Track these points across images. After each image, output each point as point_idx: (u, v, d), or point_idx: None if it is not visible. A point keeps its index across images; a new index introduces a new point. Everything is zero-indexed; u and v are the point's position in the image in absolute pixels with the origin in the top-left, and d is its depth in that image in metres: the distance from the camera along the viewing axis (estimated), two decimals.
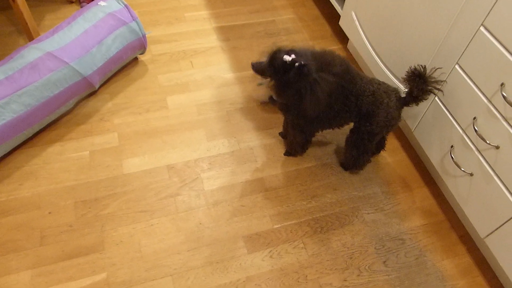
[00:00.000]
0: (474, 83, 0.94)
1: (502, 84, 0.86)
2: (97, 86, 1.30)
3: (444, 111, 1.05)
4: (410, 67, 1.00)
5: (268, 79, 1.23)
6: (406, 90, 1.04)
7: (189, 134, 1.29)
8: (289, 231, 1.10)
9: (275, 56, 0.95)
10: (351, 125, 1.14)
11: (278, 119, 1.35)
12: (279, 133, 1.31)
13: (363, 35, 1.38)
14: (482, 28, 0.88)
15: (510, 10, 0.81)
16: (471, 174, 0.98)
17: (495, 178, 0.91)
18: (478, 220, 1.00)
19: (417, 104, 1.05)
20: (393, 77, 1.25)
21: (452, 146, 1.04)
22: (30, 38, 1.41)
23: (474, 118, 0.95)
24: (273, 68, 0.96)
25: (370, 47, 1.35)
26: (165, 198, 1.13)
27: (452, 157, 1.03)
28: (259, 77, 1.22)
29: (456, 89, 0.99)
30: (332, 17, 1.75)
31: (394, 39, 1.20)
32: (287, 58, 0.93)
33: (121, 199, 1.12)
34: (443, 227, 1.15)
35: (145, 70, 1.45)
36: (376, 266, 1.06)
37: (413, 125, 1.19)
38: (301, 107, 0.97)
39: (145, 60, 1.48)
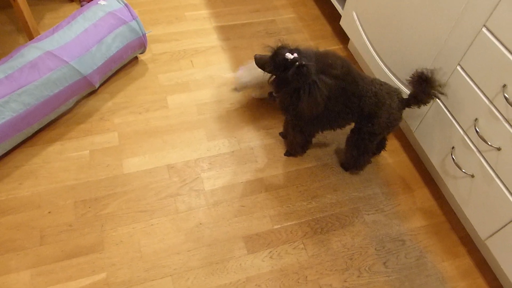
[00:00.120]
0: (475, 84, 0.94)
1: (504, 86, 0.85)
2: (97, 86, 1.29)
3: (445, 112, 1.05)
4: (416, 70, 0.99)
5: (251, 91, 1.24)
6: (409, 91, 1.04)
7: (189, 134, 1.28)
8: (289, 232, 1.10)
9: (278, 52, 0.95)
10: (352, 125, 1.13)
11: (278, 119, 1.35)
12: (279, 133, 1.31)
13: (364, 35, 1.37)
14: (484, 29, 0.88)
15: None
16: (472, 176, 0.98)
17: (496, 179, 0.91)
18: (479, 222, 0.99)
19: (419, 107, 1.04)
20: (393, 77, 1.25)
21: (453, 147, 1.04)
22: (30, 37, 1.41)
23: (476, 119, 0.94)
24: (273, 64, 0.96)
25: (371, 47, 1.35)
26: (165, 198, 1.13)
27: (453, 158, 1.03)
28: (238, 81, 1.24)
29: (457, 90, 0.99)
30: (333, 16, 1.74)
31: (395, 39, 1.19)
32: (289, 56, 0.93)
33: (121, 198, 1.12)
34: (443, 228, 1.15)
35: (145, 69, 1.45)
36: (376, 267, 1.06)
37: (414, 126, 1.19)
38: (298, 107, 0.97)
39: (145, 60, 1.48)
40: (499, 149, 0.89)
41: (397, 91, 1.06)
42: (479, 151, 0.95)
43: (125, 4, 1.32)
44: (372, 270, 1.05)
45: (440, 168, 1.11)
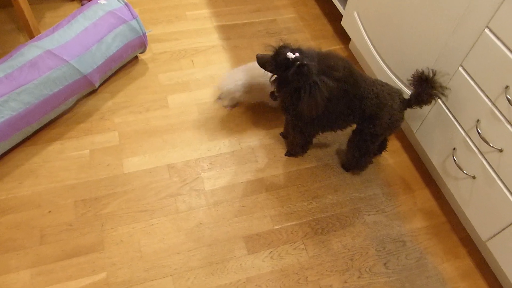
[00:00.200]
0: (478, 85, 0.93)
1: (506, 87, 0.85)
2: (97, 85, 1.29)
3: (447, 113, 1.04)
4: (417, 71, 0.99)
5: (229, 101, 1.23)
6: (410, 92, 1.03)
7: (190, 134, 1.28)
8: (290, 232, 1.10)
9: (279, 52, 0.95)
10: (353, 126, 1.13)
11: (279, 119, 1.34)
12: (280, 133, 1.31)
13: (365, 35, 1.37)
14: (487, 30, 0.88)
15: None
16: (474, 177, 0.98)
17: (498, 181, 0.91)
18: (480, 223, 0.99)
19: (420, 107, 1.04)
20: (395, 78, 1.24)
21: (454, 148, 1.03)
22: (31, 35, 1.40)
23: (478, 120, 0.94)
24: (275, 63, 0.96)
25: (372, 47, 1.34)
26: (165, 197, 1.13)
27: (454, 160, 1.02)
28: (221, 90, 1.22)
29: (459, 91, 0.99)
30: (334, 16, 1.74)
31: (397, 40, 1.19)
32: (291, 55, 0.93)
33: (121, 198, 1.12)
34: (444, 229, 1.15)
35: (145, 68, 1.45)
36: (377, 268, 1.06)
37: (415, 127, 1.19)
38: (298, 107, 0.97)
39: (145, 59, 1.48)
40: (501, 150, 0.89)
41: (399, 92, 1.06)
42: (481, 153, 0.95)
43: (125, 3, 1.32)
44: (372, 271, 1.05)
45: (441, 169, 1.11)
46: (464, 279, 1.06)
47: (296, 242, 1.08)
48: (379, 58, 1.31)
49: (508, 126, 0.86)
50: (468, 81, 0.95)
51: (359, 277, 1.03)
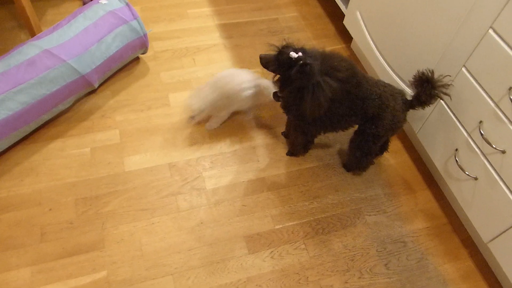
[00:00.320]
0: (481, 86, 0.93)
1: (510, 88, 0.85)
2: (96, 85, 1.28)
3: (449, 114, 1.04)
4: (417, 71, 0.99)
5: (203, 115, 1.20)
6: (412, 93, 1.03)
7: (191, 132, 1.28)
8: (291, 232, 1.10)
9: (282, 51, 0.95)
10: (355, 127, 1.13)
11: (280, 119, 1.34)
12: (281, 132, 1.31)
13: (367, 35, 1.37)
14: (490, 31, 0.87)
15: None
16: (476, 178, 0.98)
17: (500, 183, 0.91)
18: (482, 225, 0.99)
19: (423, 108, 1.04)
20: (397, 78, 1.24)
21: (456, 149, 1.03)
22: (32, 33, 1.40)
23: (480, 121, 0.94)
24: (277, 63, 0.95)
25: (374, 47, 1.34)
26: (166, 196, 1.13)
27: (456, 160, 1.02)
28: (192, 108, 1.18)
29: (462, 92, 0.98)
30: (336, 16, 1.73)
31: (400, 40, 1.19)
32: (294, 55, 0.92)
33: (122, 196, 1.11)
34: (445, 230, 1.15)
35: (147, 67, 1.44)
36: (378, 268, 1.05)
37: (417, 127, 1.18)
38: (301, 107, 0.97)
39: (147, 57, 1.47)
40: (503, 152, 0.89)
41: (401, 93, 1.06)
42: (483, 154, 0.95)
43: (127, 3, 1.31)
44: (373, 272, 1.05)
45: (443, 170, 1.10)
46: (465, 281, 1.06)
47: (297, 242, 1.08)
48: (381, 58, 1.31)
49: None
50: (471, 81, 0.95)
51: (359, 277, 1.03)
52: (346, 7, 1.50)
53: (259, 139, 1.28)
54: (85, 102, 1.32)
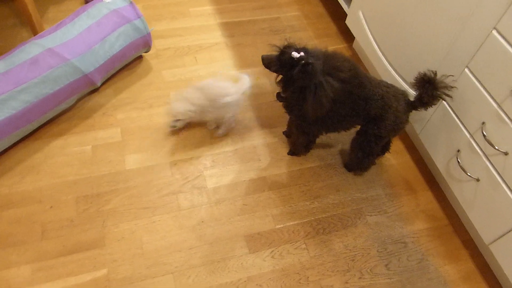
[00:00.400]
0: (484, 87, 0.93)
1: None
2: (99, 84, 1.28)
3: (451, 114, 1.04)
4: (419, 72, 0.98)
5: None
6: (415, 94, 1.03)
7: (192, 131, 1.27)
8: (291, 232, 1.09)
9: (284, 51, 0.94)
10: (357, 127, 1.13)
11: (282, 118, 1.34)
12: (283, 132, 1.30)
13: (370, 34, 1.36)
14: (494, 32, 0.87)
15: None
16: (478, 180, 0.97)
17: (503, 184, 0.90)
18: (483, 226, 0.99)
19: (425, 109, 1.04)
20: (399, 78, 1.24)
21: (458, 150, 1.03)
22: (34, 30, 1.40)
23: (483, 123, 0.93)
24: (279, 63, 0.95)
25: (376, 47, 1.33)
26: (167, 195, 1.13)
27: (458, 162, 1.02)
28: (174, 113, 1.16)
29: (465, 93, 0.98)
30: (337, 15, 1.73)
31: (402, 40, 1.18)
32: (295, 54, 0.92)
33: (123, 195, 1.11)
34: (446, 231, 1.14)
35: (149, 65, 1.44)
36: (378, 269, 1.05)
37: (419, 128, 1.18)
38: (303, 107, 0.97)
39: (149, 55, 1.47)
40: (506, 153, 0.88)
41: (404, 94, 1.05)
42: (486, 155, 0.94)
43: (131, 2, 1.30)
44: (373, 272, 1.05)
45: (444, 171, 1.10)
46: (466, 282, 1.05)
47: (298, 242, 1.08)
48: (383, 58, 1.30)
49: None
50: (474, 82, 0.95)
51: (360, 277, 1.03)
52: (349, 7, 1.49)
53: (261, 138, 1.28)
54: (87, 100, 1.31)
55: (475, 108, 0.95)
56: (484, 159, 0.95)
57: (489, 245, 0.99)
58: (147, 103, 1.33)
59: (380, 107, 1.01)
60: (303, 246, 1.07)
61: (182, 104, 1.17)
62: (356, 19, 1.43)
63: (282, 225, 1.10)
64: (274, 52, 0.98)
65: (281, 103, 1.09)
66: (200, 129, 1.28)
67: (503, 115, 0.88)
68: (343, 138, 1.32)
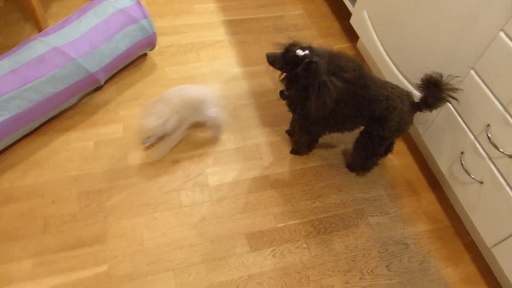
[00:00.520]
0: (489, 89, 0.92)
1: None
2: (102, 82, 1.28)
3: (456, 116, 1.03)
4: (425, 74, 0.98)
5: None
6: (419, 95, 1.02)
7: (195, 129, 1.27)
8: (293, 231, 1.09)
9: (289, 49, 0.94)
10: (361, 127, 1.12)
11: (285, 116, 1.33)
12: (285, 130, 1.30)
13: (374, 34, 1.35)
14: (501, 34, 0.86)
15: None
16: (481, 182, 0.97)
17: (507, 187, 0.90)
18: (486, 229, 0.98)
19: (430, 111, 1.03)
20: (403, 79, 1.23)
21: (462, 152, 1.02)
22: (38, 25, 1.39)
23: (488, 125, 0.93)
24: (284, 60, 0.95)
25: (381, 47, 1.33)
26: (169, 192, 1.13)
27: (462, 164, 1.01)
28: (146, 129, 1.11)
29: (470, 94, 0.97)
30: (342, 14, 1.72)
31: (407, 40, 1.18)
32: (300, 52, 0.92)
33: (124, 191, 1.11)
34: (448, 233, 1.14)
35: (152, 62, 1.44)
36: (379, 270, 1.05)
37: (423, 129, 1.18)
38: (306, 107, 0.96)
39: (152, 52, 1.47)
40: (511, 156, 0.88)
41: (409, 95, 1.05)
42: (490, 158, 0.94)
43: (138, 2, 1.29)
44: (374, 273, 1.04)
45: (447, 173, 1.10)
46: (467, 285, 1.05)
47: (299, 241, 1.07)
48: (388, 58, 1.30)
49: None
50: (480, 84, 0.94)
51: (361, 278, 1.03)
52: (353, 6, 1.49)
53: (263, 136, 1.28)
54: (90, 96, 1.31)
55: (480, 110, 0.95)
56: (488, 161, 0.94)
57: (491, 248, 0.98)
58: (150, 100, 1.32)
59: (384, 108, 1.01)
60: (304, 245, 1.07)
61: (151, 119, 1.10)
62: (361, 19, 1.42)
63: (283, 224, 1.10)
64: (278, 50, 0.97)
65: (284, 102, 1.09)
66: (202, 128, 1.28)
67: (508, 117, 0.87)
68: (346, 138, 1.31)
